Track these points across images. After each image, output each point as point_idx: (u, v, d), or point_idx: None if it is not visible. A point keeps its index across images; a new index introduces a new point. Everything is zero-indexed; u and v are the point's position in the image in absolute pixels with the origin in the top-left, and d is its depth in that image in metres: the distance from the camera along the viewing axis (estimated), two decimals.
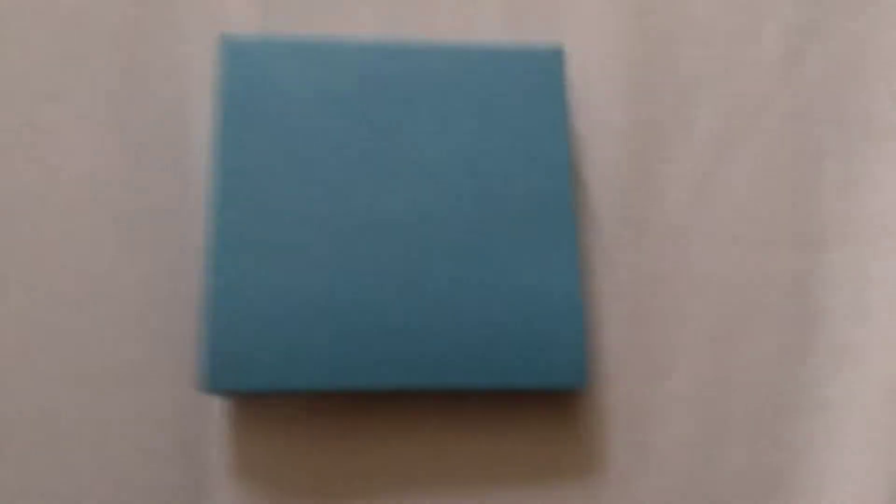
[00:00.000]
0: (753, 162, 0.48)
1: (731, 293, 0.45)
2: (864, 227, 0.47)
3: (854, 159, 0.48)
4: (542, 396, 0.43)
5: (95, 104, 0.46)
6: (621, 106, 0.48)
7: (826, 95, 0.49)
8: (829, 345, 0.45)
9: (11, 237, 0.43)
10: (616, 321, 0.44)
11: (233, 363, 0.39)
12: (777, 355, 0.44)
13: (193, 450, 0.41)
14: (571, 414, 0.43)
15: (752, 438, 0.43)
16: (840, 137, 0.48)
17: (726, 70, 0.49)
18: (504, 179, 0.43)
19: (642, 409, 0.43)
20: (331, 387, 0.39)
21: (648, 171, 0.47)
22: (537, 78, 0.45)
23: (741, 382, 0.44)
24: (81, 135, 0.45)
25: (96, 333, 0.43)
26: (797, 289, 0.45)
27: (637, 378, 0.44)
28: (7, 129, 0.45)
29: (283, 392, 0.40)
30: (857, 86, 0.49)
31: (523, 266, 0.42)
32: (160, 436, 0.41)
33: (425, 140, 0.43)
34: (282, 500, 0.41)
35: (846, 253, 0.46)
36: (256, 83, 0.43)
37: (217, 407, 0.42)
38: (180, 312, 0.43)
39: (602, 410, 0.43)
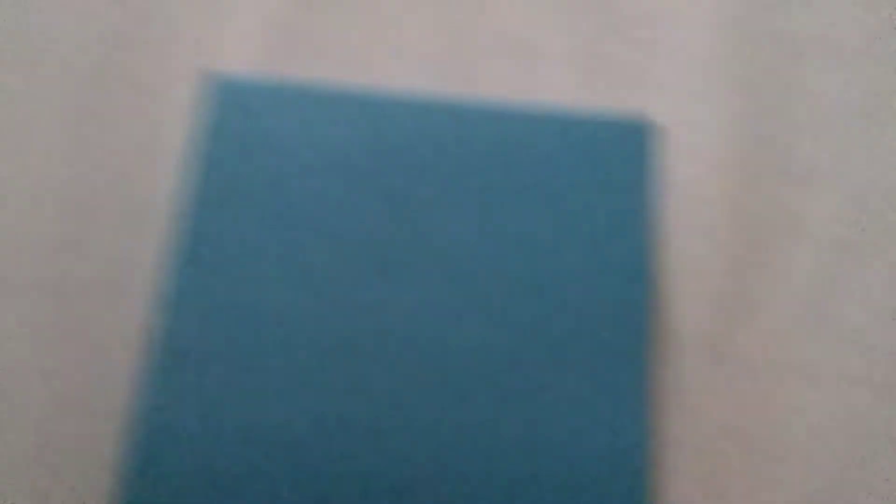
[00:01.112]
0: (882, 283, 0.38)
1: (841, 446, 0.35)
2: None
3: None
4: None
5: (50, 152, 0.38)
6: (719, 198, 0.39)
7: None
8: None
9: None
10: (690, 475, 0.35)
11: (159, 494, 0.29)
12: None
13: None
14: None
15: None
16: None
17: (854, 156, 0.40)
18: (560, 285, 0.33)
19: None
20: None
21: (747, 284, 0.37)
22: (618, 156, 0.34)
23: None
24: (29, 192, 0.37)
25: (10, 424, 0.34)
26: None
27: None
28: None
29: None
30: None
31: (579, 402, 0.31)
32: None
33: (460, 229, 0.33)
34: None
35: None
36: (243, 137, 0.34)
37: None
38: (106, 405, 0.34)
39: None
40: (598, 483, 0.31)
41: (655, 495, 0.33)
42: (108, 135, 0.38)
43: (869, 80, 0.41)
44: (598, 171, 0.34)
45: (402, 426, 0.31)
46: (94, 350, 0.35)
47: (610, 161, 0.35)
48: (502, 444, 0.31)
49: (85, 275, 0.36)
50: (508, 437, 0.31)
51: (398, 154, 0.34)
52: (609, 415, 0.32)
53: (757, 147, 0.40)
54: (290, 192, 0.33)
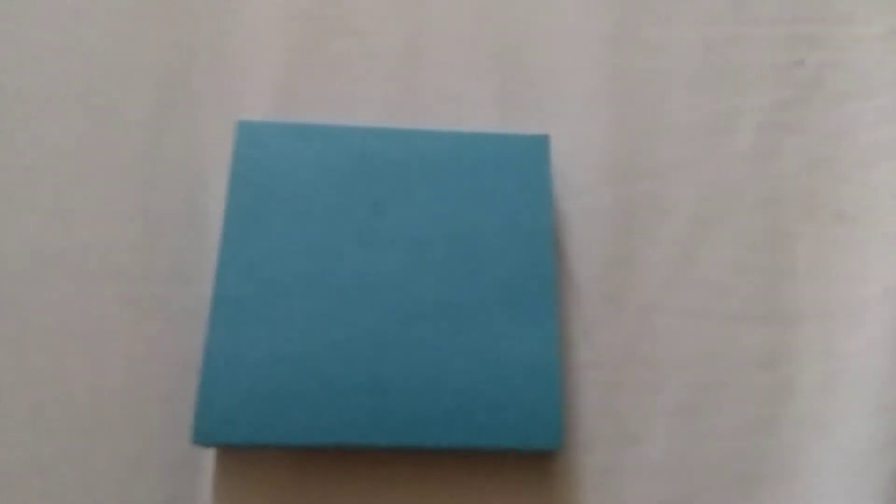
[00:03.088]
0: (728, 244, 0.50)
1: (704, 366, 0.47)
2: (831, 305, 0.48)
3: (823, 243, 0.50)
4: (521, 457, 0.45)
5: (121, 182, 0.51)
6: (604, 190, 0.51)
7: (798, 185, 0.52)
8: (797, 416, 0.46)
9: (34, 296, 0.47)
10: (592, 390, 0.46)
11: (223, 418, 0.42)
12: (746, 425, 0.46)
13: (181, 498, 0.44)
14: (548, 475, 0.44)
15: None
16: (811, 223, 0.51)
17: (703, 159, 0.53)
18: (489, 252, 0.46)
19: (615, 472, 0.44)
20: (313, 442, 0.42)
21: (628, 250, 0.50)
22: (523, 161, 0.48)
23: (710, 450, 0.45)
24: (101, 209, 0.50)
25: (100, 387, 0.46)
26: (767, 362, 0.47)
27: (611, 443, 0.45)
28: (41, 206, 0.50)
29: (269, 446, 0.42)
30: (828, 177, 0.52)
31: (505, 334, 0.44)
32: (153, 486, 0.44)
33: (416, 215, 0.47)
34: None
35: (814, 329, 0.48)
36: (265, 162, 0.47)
37: (209, 460, 0.44)
38: (182, 371, 0.46)
39: (577, 472, 0.44)
40: (519, 391, 0.43)
41: (565, 397, 0.46)
42: (165, 165, 0.51)
43: (718, 104, 0.55)
44: (510, 174, 0.48)
45: (382, 346, 0.43)
46: (166, 321, 0.47)
47: (519, 166, 0.48)
48: (448, 361, 0.43)
49: (156, 265, 0.49)
50: (452, 356, 0.43)
51: (372, 169, 0.48)
52: (526, 342, 0.44)
53: (627, 150, 0.53)
54: (302, 200, 0.47)
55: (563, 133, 0.52)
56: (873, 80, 0.55)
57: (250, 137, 0.48)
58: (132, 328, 0.47)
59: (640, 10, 0.57)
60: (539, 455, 0.45)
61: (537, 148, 0.49)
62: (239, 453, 0.45)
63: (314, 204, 0.47)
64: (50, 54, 0.54)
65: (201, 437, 0.42)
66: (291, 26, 0.56)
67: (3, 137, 0.52)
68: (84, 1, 0.56)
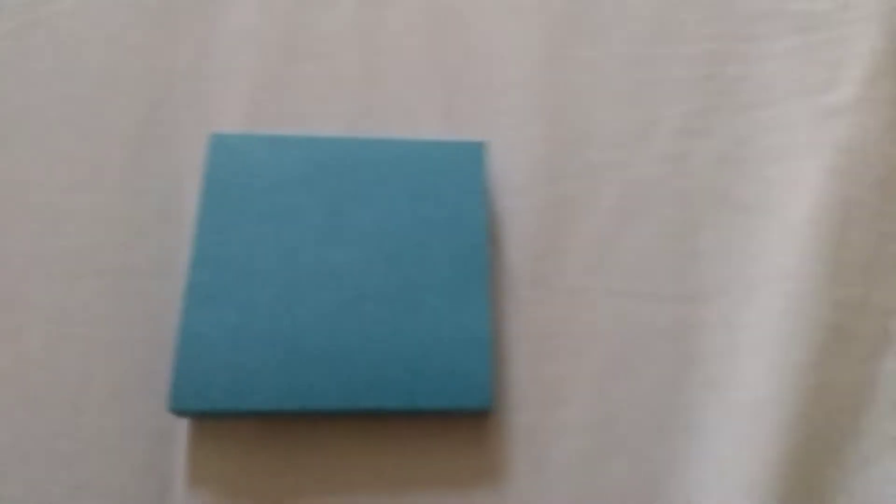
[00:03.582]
0: (645, 234, 0.57)
1: (621, 338, 0.53)
2: (734, 284, 0.55)
3: (729, 231, 0.56)
4: (456, 419, 0.50)
5: (105, 189, 0.57)
6: (537, 189, 0.58)
7: (708, 182, 0.58)
8: (702, 379, 0.52)
9: (30, 291, 0.53)
10: (521, 358, 0.52)
11: (197, 387, 0.48)
12: (656, 387, 0.52)
13: (159, 464, 0.49)
14: (480, 434, 0.50)
15: (634, 456, 0.50)
16: (718, 214, 0.57)
17: (625, 161, 0.59)
18: (431, 244, 0.52)
19: (541, 431, 0.50)
20: (278, 407, 0.47)
21: (557, 240, 0.56)
22: (462, 166, 0.55)
23: (626, 410, 0.51)
24: (90, 214, 0.56)
25: (87, 371, 0.51)
26: (675, 335, 0.53)
27: (538, 405, 0.51)
28: (36, 213, 0.56)
29: (238, 412, 0.48)
30: (735, 174, 0.59)
31: (442, 312, 0.50)
32: (134, 457, 0.49)
33: (367, 211, 0.53)
34: None
35: (719, 304, 0.54)
36: (234, 168, 0.54)
37: (183, 427, 0.50)
38: (158, 348, 0.51)
39: (506, 431, 0.50)
40: (453, 358, 0.49)
41: (496, 364, 0.52)
42: (147, 174, 0.57)
43: (638, 113, 0.62)
44: (451, 175, 0.54)
45: (337, 323, 0.49)
46: (145, 311, 0.53)
47: (459, 169, 0.55)
48: (393, 336, 0.49)
49: (137, 262, 0.55)
50: (396, 332, 0.49)
51: (332, 173, 0.54)
52: (461, 318, 0.50)
53: (559, 155, 0.59)
54: (267, 200, 0.53)
55: (501, 141, 0.59)
56: (773, 91, 0.62)
57: (221, 147, 0.55)
58: (116, 318, 0.53)
59: (571, 32, 0.64)
60: (473, 417, 0.50)
61: (475, 153, 0.55)
62: (210, 423, 0.50)
63: (278, 204, 0.53)
64: (46, 78, 0.61)
65: (177, 405, 0.47)
66: (261, 51, 0.62)
67: (5, 153, 0.58)
68: (78, 31, 0.63)
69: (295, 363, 0.48)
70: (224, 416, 0.50)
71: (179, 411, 0.48)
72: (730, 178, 0.59)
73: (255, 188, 0.53)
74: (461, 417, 0.50)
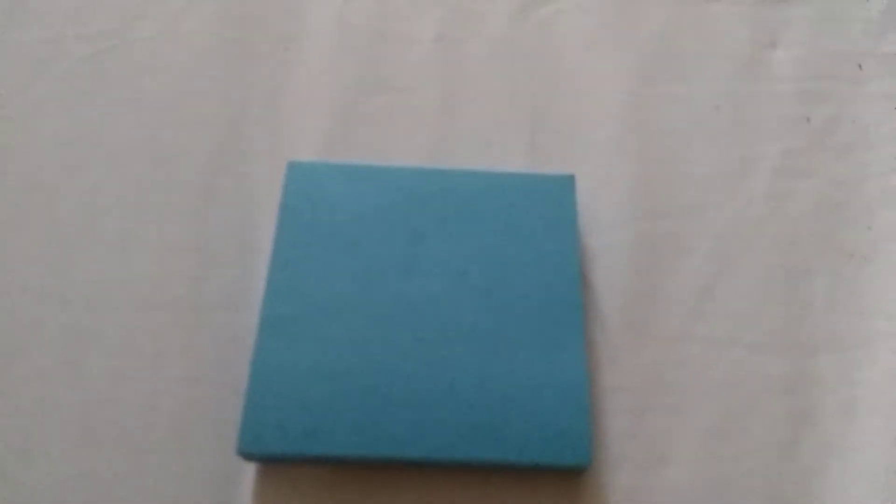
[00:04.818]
0: (747, 278, 0.52)
1: (727, 392, 0.48)
2: (845, 337, 0.50)
3: (835, 280, 0.52)
4: (550, 476, 0.45)
5: (178, 217, 0.54)
6: (628, 226, 0.54)
7: (812, 225, 0.54)
8: (817, 441, 0.46)
9: (96, 321, 0.50)
10: (620, 413, 0.47)
11: (267, 430, 0.43)
12: (767, 449, 0.46)
13: None
14: (576, 494, 0.45)
15: None
16: (823, 261, 0.53)
17: (721, 201, 0.55)
18: (519, 282, 0.48)
19: (642, 493, 0.45)
20: (353, 454, 0.43)
21: (652, 283, 0.52)
22: (551, 198, 0.51)
23: (734, 474, 0.45)
24: (161, 242, 0.53)
25: (153, 408, 0.48)
26: (788, 390, 0.48)
27: (638, 464, 0.46)
28: (102, 240, 0.53)
29: (308, 458, 0.44)
30: (838, 219, 0.54)
31: (534, 357, 0.45)
32: (196, 496, 0.45)
33: (452, 246, 0.49)
34: None
35: (831, 359, 0.49)
36: (312, 197, 0.50)
37: (249, 471, 0.46)
38: (228, 387, 0.47)
39: (604, 492, 0.45)
40: (549, 410, 0.44)
41: (593, 418, 0.47)
42: (221, 203, 0.54)
43: (734, 151, 0.58)
44: (539, 209, 0.50)
45: (419, 366, 0.45)
46: (215, 347, 0.49)
47: (547, 202, 0.51)
48: (481, 382, 0.45)
49: (209, 294, 0.51)
50: (485, 378, 0.45)
51: (413, 204, 0.50)
52: (555, 365, 0.45)
53: (650, 193, 0.55)
54: (346, 231, 0.49)
55: (588, 176, 0.54)
56: (876, 133, 0.58)
57: (299, 175, 0.51)
58: (184, 353, 0.49)
59: (659, 67, 0.61)
60: (568, 474, 0.45)
61: (564, 186, 0.51)
62: (280, 469, 0.46)
63: (357, 235, 0.49)
64: (121, 104, 0.59)
65: (246, 448, 0.43)
66: (339, 83, 0.60)
67: (75, 177, 0.55)
68: (155, 58, 0.61)
69: (373, 407, 0.44)
70: (295, 462, 0.45)
71: (248, 455, 0.44)
72: (835, 223, 0.54)
73: (335, 218, 0.50)
74: (555, 475, 0.45)
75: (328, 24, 0.63)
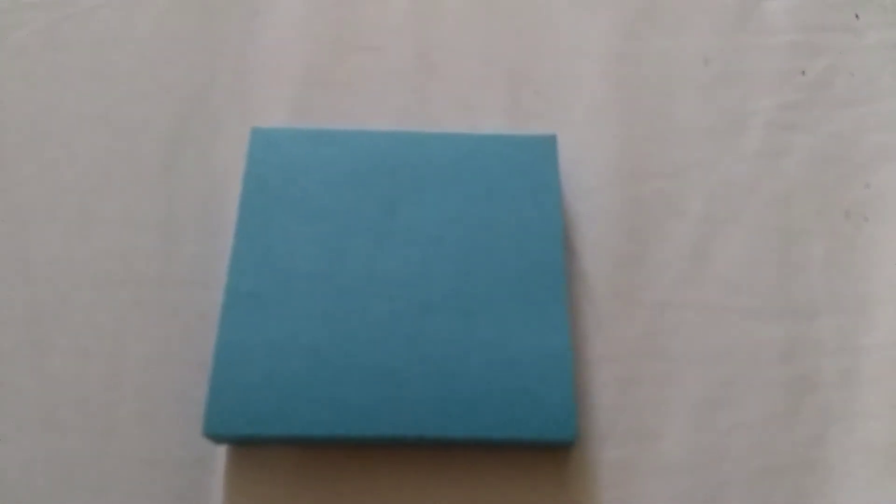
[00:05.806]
0: (740, 240, 0.48)
1: (721, 360, 0.45)
2: (844, 300, 0.46)
3: (835, 239, 0.48)
4: (534, 452, 0.42)
5: (140, 190, 0.50)
6: (614, 190, 0.50)
7: (807, 183, 0.50)
8: (817, 409, 0.43)
9: (56, 300, 0.47)
10: (608, 384, 0.44)
11: (233, 410, 0.40)
12: (765, 419, 0.43)
13: (194, 495, 0.42)
14: (562, 470, 0.42)
15: (742, 500, 0.41)
16: (822, 219, 0.49)
17: (712, 159, 0.51)
18: (500, 249, 0.44)
19: (632, 468, 0.42)
20: (325, 434, 0.40)
21: (639, 248, 0.48)
22: (532, 160, 0.47)
23: (729, 445, 0.42)
24: (123, 217, 0.49)
25: (117, 389, 0.44)
26: (784, 356, 0.45)
27: (628, 438, 0.43)
28: (62, 215, 0.49)
29: (280, 439, 0.40)
30: (836, 176, 0.51)
31: (517, 327, 0.42)
32: (166, 484, 0.42)
33: (428, 213, 0.45)
34: None
35: (832, 322, 0.46)
36: (278, 165, 0.46)
37: (220, 454, 0.43)
38: (195, 366, 0.44)
39: (592, 467, 0.42)
40: (532, 383, 0.41)
41: (579, 390, 0.43)
42: (185, 174, 0.50)
43: (726, 105, 0.53)
44: (519, 172, 0.46)
45: (394, 339, 0.42)
46: (181, 325, 0.46)
47: (528, 165, 0.47)
48: (460, 354, 0.41)
49: (173, 270, 0.48)
50: (464, 350, 0.41)
51: (386, 170, 0.46)
52: (538, 335, 0.42)
53: (636, 153, 0.51)
54: (315, 200, 0.45)
55: (571, 137, 0.50)
56: (876, 86, 0.54)
57: (264, 142, 0.47)
58: (148, 331, 0.46)
59: (645, 22, 0.57)
60: (553, 449, 0.42)
61: (545, 147, 0.47)
62: (250, 450, 0.43)
63: (326, 204, 0.45)
64: (79, 74, 0.54)
65: (212, 430, 0.40)
66: (308, 44, 0.56)
67: (33, 151, 0.52)
68: (113, 24, 0.56)
69: (347, 383, 0.41)
70: (266, 443, 0.42)
71: (216, 436, 0.40)
72: (833, 180, 0.51)
73: (302, 187, 0.46)
74: (540, 451, 0.42)
75: None
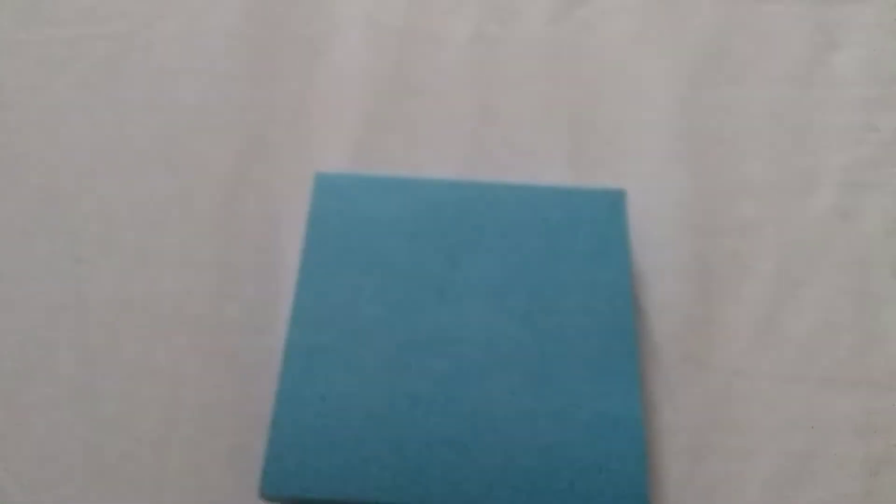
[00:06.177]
0: (814, 304, 0.46)
1: (795, 433, 0.42)
2: None
3: None
4: None
5: (197, 231, 0.49)
6: (682, 244, 0.48)
7: (883, 245, 0.48)
8: (894, 488, 0.41)
9: (109, 341, 0.46)
10: (678, 456, 0.42)
11: (293, 469, 0.38)
12: (843, 498, 0.41)
13: None
14: None
15: None
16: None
17: (783, 216, 0.49)
18: (566, 307, 0.42)
19: None
20: (386, 501, 0.38)
21: (710, 308, 0.46)
22: (600, 216, 0.45)
23: None
24: (179, 258, 0.48)
25: (168, 438, 0.43)
26: (863, 431, 0.42)
27: None
28: (118, 253, 0.49)
29: (338, 502, 0.39)
30: None
31: (584, 394, 0.40)
32: None
33: (492, 267, 0.44)
34: None
35: None
36: (342, 213, 0.45)
37: None
38: (250, 418, 0.43)
39: None
40: (601, 456, 0.39)
41: (649, 463, 0.41)
42: (243, 216, 0.50)
43: (795, 164, 0.52)
44: (587, 227, 0.45)
45: (458, 402, 0.40)
46: (236, 372, 0.44)
47: (595, 220, 0.45)
48: (526, 421, 0.39)
49: (230, 314, 0.47)
50: (530, 416, 0.39)
51: (448, 221, 0.45)
52: (609, 401, 0.40)
53: (705, 207, 0.49)
54: (377, 250, 0.44)
55: (637, 189, 0.49)
56: None
57: (327, 189, 0.46)
58: (202, 379, 0.45)
59: (712, 72, 0.55)
60: None
61: (614, 202, 0.46)
62: None
63: (389, 255, 0.44)
64: (139, 110, 0.54)
65: (270, 490, 0.38)
66: (369, 87, 0.55)
67: (91, 186, 0.51)
68: (174, 61, 0.56)
69: (408, 448, 0.39)
70: None
71: (272, 497, 0.39)
72: None
73: (365, 236, 0.45)
74: None
75: (357, 23, 0.58)
